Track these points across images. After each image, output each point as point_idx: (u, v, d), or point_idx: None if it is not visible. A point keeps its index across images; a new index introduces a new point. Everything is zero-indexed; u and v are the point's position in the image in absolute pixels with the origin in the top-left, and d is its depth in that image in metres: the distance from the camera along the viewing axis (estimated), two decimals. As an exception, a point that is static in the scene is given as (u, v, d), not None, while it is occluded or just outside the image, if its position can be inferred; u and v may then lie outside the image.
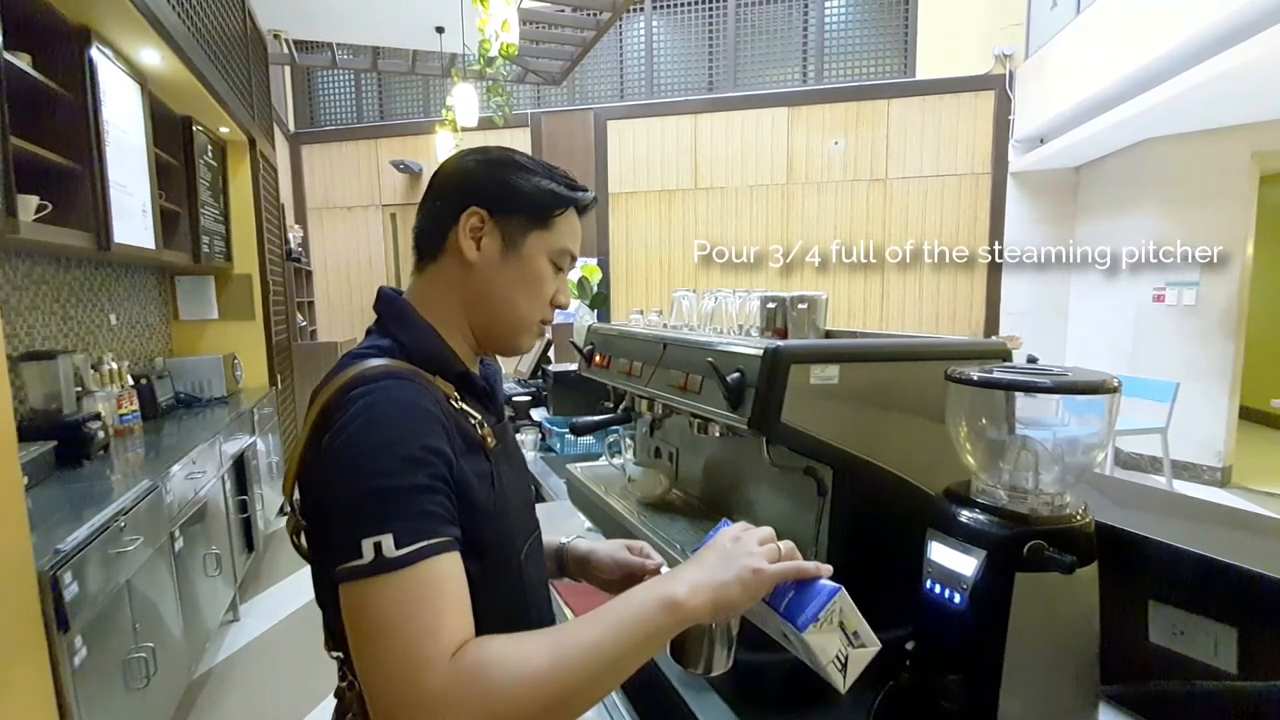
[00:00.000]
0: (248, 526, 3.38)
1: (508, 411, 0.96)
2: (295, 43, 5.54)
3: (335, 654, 0.74)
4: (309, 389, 0.74)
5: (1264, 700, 0.79)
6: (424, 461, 0.63)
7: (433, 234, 0.78)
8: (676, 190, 6.78)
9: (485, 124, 4.99)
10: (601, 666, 0.60)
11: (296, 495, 0.70)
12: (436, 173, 0.81)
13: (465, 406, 0.74)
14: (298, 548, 0.72)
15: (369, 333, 0.79)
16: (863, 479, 0.93)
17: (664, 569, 0.87)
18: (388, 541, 0.58)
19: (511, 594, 0.76)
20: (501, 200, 0.76)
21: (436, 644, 0.56)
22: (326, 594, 0.72)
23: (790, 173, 6.56)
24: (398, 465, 0.61)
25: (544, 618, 0.82)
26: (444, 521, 0.62)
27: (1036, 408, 0.85)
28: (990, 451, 0.84)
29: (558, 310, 0.82)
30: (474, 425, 0.74)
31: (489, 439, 0.75)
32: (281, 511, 3.97)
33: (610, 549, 0.92)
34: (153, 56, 2.76)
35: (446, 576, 0.60)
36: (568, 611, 1.20)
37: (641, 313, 1.57)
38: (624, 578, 0.89)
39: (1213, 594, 0.82)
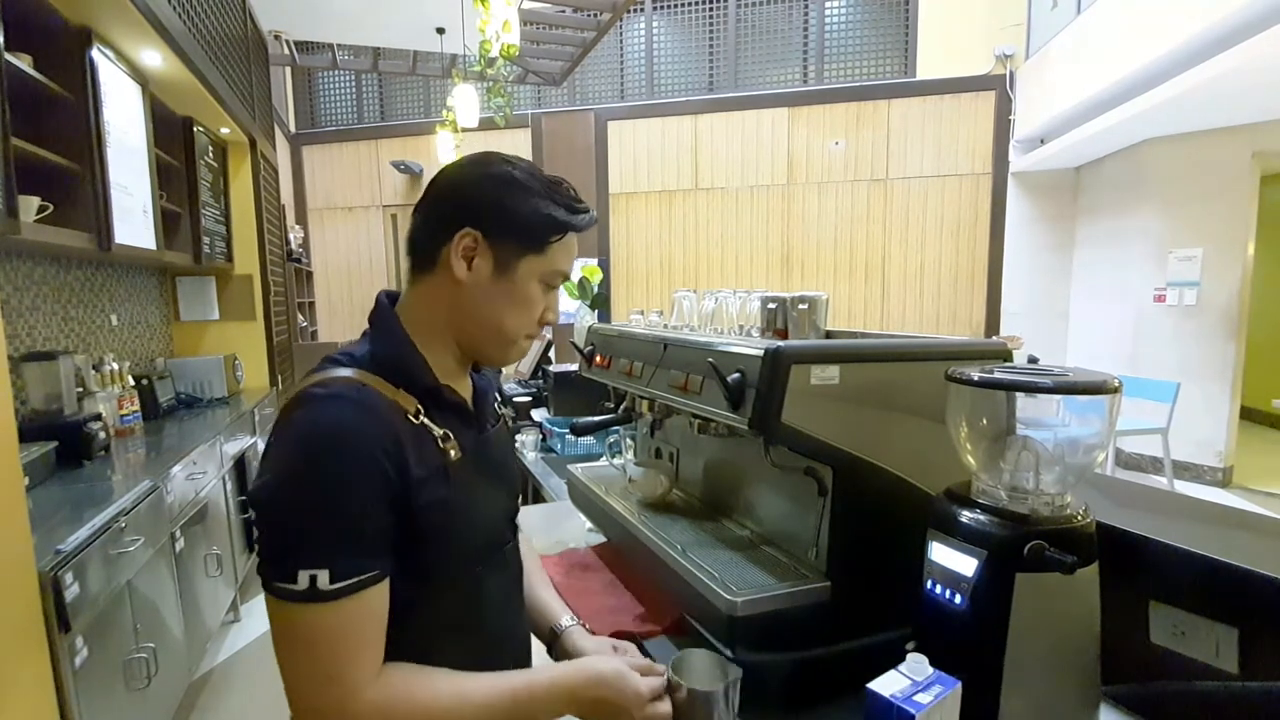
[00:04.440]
0: (249, 527, 3.38)
1: (509, 412, 0.95)
2: (296, 43, 5.54)
3: None
4: (310, 390, 0.74)
5: (1265, 701, 0.79)
6: (362, 489, 0.64)
7: (425, 246, 0.77)
8: (677, 191, 6.79)
9: (486, 125, 4.99)
10: None
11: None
12: (436, 180, 0.79)
13: (427, 421, 0.73)
14: None
15: (364, 334, 0.80)
16: (863, 479, 0.93)
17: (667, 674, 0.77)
18: (323, 576, 0.62)
19: (465, 606, 0.76)
20: (497, 223, 0.75)
21: (359, 670, 0.63)
22: None
23: (791, 173, 6.56)
24: (337, 493, 0.63)
25: (504, 629, 0.82)
26: (376, 554, 0.65)
27: (1037, 408, 0.85)
28: (991, 452, 0.84)
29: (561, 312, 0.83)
30: (434, 440, 0.73)
31: (452, 452, 0.73)
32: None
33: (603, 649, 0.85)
34: (153, 57, 2.76)
35: (370, 611, 0.65)
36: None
37: (642, 313, 1.57)
38: None
39: (1214, 594, 0.82)
